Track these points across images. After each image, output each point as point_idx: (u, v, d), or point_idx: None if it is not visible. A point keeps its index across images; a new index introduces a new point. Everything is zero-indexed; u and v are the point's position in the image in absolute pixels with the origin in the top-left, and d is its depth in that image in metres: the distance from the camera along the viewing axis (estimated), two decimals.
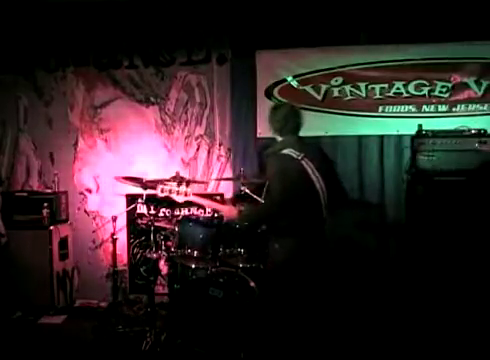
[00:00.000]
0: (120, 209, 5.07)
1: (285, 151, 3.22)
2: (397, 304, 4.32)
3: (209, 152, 5.21)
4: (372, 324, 4.17)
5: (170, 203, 4.79)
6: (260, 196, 3.94)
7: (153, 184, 4.31)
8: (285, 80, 4.95)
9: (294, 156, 3.19)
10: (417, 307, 4.08)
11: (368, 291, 4.53)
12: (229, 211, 3.48)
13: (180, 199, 3.48)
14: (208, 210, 4.90)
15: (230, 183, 5.02)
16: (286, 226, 3.18)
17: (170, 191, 3.46)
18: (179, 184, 3.56)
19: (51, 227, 4.96)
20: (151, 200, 4.71)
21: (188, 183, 3.68)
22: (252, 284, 3.67)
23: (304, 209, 3.19)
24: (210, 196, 4.81)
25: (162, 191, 3.49)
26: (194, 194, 3.53)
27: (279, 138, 3.35)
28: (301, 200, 3.18)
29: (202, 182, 5.07)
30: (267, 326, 3.36)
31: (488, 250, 3.95)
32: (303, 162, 3.19)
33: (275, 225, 3.26)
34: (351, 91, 4.83)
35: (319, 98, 4.89)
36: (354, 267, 4.63)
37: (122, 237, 5.11)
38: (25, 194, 5.16)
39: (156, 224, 4.41)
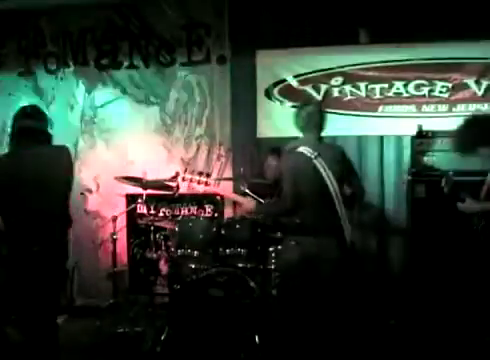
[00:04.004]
0: (120, 209, 5.07)
1: (300, 149, 3.34)
2: (400, 305, 4.32)
3: (209, 152, 5.21)
4: (376, 328, 4.17)
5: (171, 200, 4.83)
6: (261, 196, 3.96)
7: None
8: (285, 80, 4.95)
9: (307, 154, 3.29)
10: (420, 309, 4.08)
11: (366, 292, 4.52)
12: (248, 203, 3.64)
13: (201, 188, 3.57)
14: (208, 210, 4.91)
15: (230, 183, 5.01)
16: (302, 223, 3.23)
17: (191, 180, 3.56)
18: (200, 174, 3.63)
19: None
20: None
21: (208, 174, 3.74)
22: (252, 284, 3.67)
23: (316, 206, 3.24)
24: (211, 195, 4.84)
25: (183, 180, 3.59)
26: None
27: (301, 136, 3.43)
28: (312, 197, 3.24)
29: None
30: (269, 325, 3.37)
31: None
32: (316, 161, 3.27)
33: (291, 221, 3.35)
34: (351, 91, 4.83)
35: (319, 98, 4.88)
36: (355, 266, 4.63)
37: (122, 237, 5.11)
38: None
39: (156, 224, 4.42)
